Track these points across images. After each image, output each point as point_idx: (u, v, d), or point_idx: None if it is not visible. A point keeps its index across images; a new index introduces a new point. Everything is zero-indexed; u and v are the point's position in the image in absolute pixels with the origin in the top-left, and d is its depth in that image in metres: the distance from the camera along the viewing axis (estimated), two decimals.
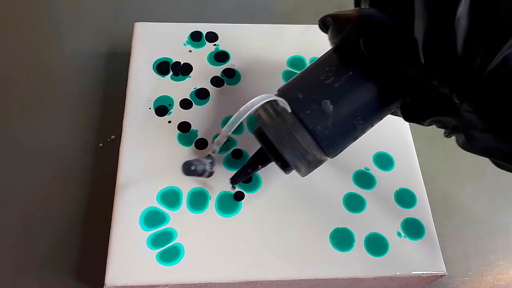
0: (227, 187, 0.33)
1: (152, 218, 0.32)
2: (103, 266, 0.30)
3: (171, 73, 0.38)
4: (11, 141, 0.39)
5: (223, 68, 0.39)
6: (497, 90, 0.20)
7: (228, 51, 0.40)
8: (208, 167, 0.28)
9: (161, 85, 0.37)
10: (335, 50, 0.27)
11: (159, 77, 0.38)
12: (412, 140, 0.36)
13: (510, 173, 0.39)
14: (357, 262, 0.31)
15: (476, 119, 0.22)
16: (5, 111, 0.41)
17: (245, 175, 0.31)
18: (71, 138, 0.40)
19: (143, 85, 0.37)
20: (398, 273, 0.31)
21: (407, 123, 0.37)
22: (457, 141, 0.25)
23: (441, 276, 0.31)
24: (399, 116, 0.28)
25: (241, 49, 0.40)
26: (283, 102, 0.26)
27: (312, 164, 0.28)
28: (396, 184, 0.34)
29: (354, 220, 0.32)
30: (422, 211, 0.33)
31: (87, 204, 0.36)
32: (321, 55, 0.28)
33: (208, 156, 0.28)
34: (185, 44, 0.40)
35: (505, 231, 0.38)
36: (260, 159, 0.31)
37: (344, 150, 0.35)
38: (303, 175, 0.29)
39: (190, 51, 0.39)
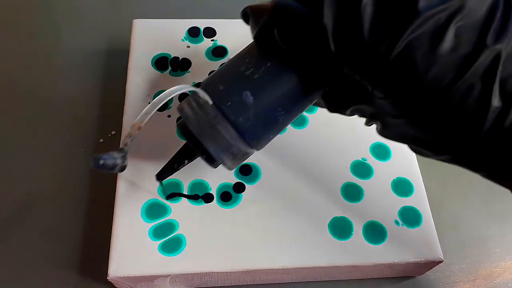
0: (228, 179, 0.33)
1: (153, 210, 0.32)
2: (105, 259, 0.30)
3: (170, 68, 0.39)
4: (12, 137, 0.40)
5: (221, 63, 0.39)
6: (402, 75, 0.21)
7: (226, 46, 0.40)
8: (119, 161, 0.25)
9: (160, 80, 0.38)
10: (255, 40, 0.26)
11: (158, 72, 0.38)
12: None
13: None
14: (356, 250, 0.31)
15: (388, 106, 0.23)
16: (5, 107, 0.41)
17: (172, 171, 0.31)
18: (72, 134, 0.40)
19: (142, 81, 0.38)
20: (396, 260, 0.31)
21: None
22: (376, 129, 0.26)
23: (438, 262, 0.32)
24: (324, 108, 0.29)
25: (239, 44, 0.40)
26: (202, 94, 0.25)
27: (237, 157, 0.27)
28: (393, 174, 0.35)
29: (352, 209, 0.33)
30: (419, 199, 0.34)
31: (88, 199, 0.37)
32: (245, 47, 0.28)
33: (120, 150, 0.26)
34: (183, 40, 0.40)
35: (501, 219, 0.38)
36: (186, 154, 0.30)
37: (341, 141, 0.36)
38: (229, 169, 0.28)
39: (188, 46, 0.40)
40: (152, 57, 0.39)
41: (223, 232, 0.32)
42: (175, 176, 0.33)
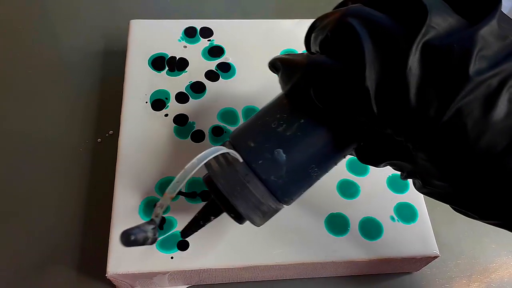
0: None
1: (151, 208, 0.32)
2: (104, 256, 0.30)
3: (166, 68, 0.39)
4: (10, 137, 0.40)
5: (218, 63, 0.39)
6: (451, 141, 0.20)
7: (223, 46, 0.40)
8: (150, 234, 0.24)
9: (157, 80, 0.38)
10: (286, 96, 0.25)
11: (155, 72, 0.38)
12: None
13: None
14: (353, 246, 0.32)
15: (432, 168, 0.22)
16: (3, 107, 0.41)
17: (197, 227, 0.29)
18: (70, 134, 0.40)
19: (139, 81, 0.38)
20: (392, 255, 0.32)
21: None
22: (414, 185, 0.25)
23: (434, 257, 0.32)
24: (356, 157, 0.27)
25: (236, 44, 0.41)
26: (234, 153, 0.24)
27: (267, 214, 0.26)
28: (389, 170, 0.35)
29: (348, 206, 0.33)
30: (415, 195, 0.34)
31: (87, 198, 0.37)
32: (272, 99, 0.27)
33: (151, 221, 0.24)
34: (179, 40, 0.40)
35: None
36: (213, 211, 0.28)
37: None
38: (258, 226, 0.27)
39: (185, 46, 0.40)
40: (149, 57, 0.39)
41: (220, 229, 0.32)
42: (173, 175, 0.33)
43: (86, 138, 0.40)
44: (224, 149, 0.24)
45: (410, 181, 0.34)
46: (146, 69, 0.39)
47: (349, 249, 0.32)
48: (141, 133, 0.35)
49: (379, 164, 0.25)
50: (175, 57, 0.39)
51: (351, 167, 0.35)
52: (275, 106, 0.26)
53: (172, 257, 0.31)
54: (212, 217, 0.28)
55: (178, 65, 0.39)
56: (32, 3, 0.49)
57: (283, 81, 0.25)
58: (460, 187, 0.21)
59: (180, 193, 0.33)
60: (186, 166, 0.23)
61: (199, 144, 0.35)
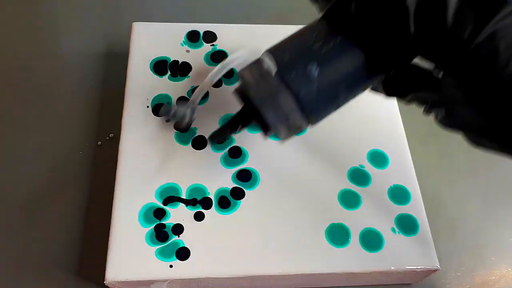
0: (226, 184, 0.34)
1: (151, 215, 0.32)
2: (103, 262, 0.30)
3: (169, 73, 0.39)
4: (11, 139, 0.39)
5: None
6: (481, 64, 0.20)
7: (226, 51, 0.40)
8: (188, 115, 0.27)
9: (159, 84, 0.38)
10: (325, 16, 0.26)
11: (157, 77, 0.38)
12: (405, 137, 0.37)
13: (502, 174, 0.40)
14: (353, 258, 0.32)
15: (459, 93, 0.22)
16: (5, 110, 0.41)
17: (224, 134, 0.31)
18: (70, 136, 0.40)
19: (141, 84, 0.38)
20: (392, 268, 0.32)
21: (400, 121, 0.37)
22: (436, 117, 0.25)
23: (434, 270, 0.32)
24: (381, 93, 0.28)
25: (239, 48, 0.40)
26: (268, 62, 0.25)
27: (292, 129, 0.27)
28: (391, 181, 0.35)
29: (349, 216, 0.33)
30: (416, 207, 0.34)
31: (86, 201, 0.37)
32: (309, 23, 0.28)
33: (189, 105, 0.27)
34: (182, 44, 0.40)
35: (496, 227, 0.38)
36: (242, 120, 0.30)
37: (339, 147, 0.36)
38: (282, 140, 0.28)
39: (187, 51, 0.40)
40: (151, 60, 0.39)
41: (220, 238, 0.32)
42: (173, 180, 0.33)
43: (87, 141, 0.40)
44: (260, 53, 0.25)
45: (411, 192, 0.34)
46: (148, 73, 0.38)
47: (349, 261, 0.32)
48: (141, 138, 0.35)
49: (405, 97, 0.26)
50: (177, 61, 0.39)
51: (352, 177, 0.35)
52: (312, 27, 0.27)
53: (171, 266, 0.30)
54: (240, 126, 0.30)
55: (180, 69, 0.39)
56: (35, 5, 0.49)
57: (322, 2, 0.26)
58: (485, 113, 0.22)
59: (180, 200, 0.33)
60: (224, 61, 0.25)
61: (200, 152, 0.35)
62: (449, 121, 0.24)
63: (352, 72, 0.26)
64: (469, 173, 0.41)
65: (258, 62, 0.26)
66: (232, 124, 0.30)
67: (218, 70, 0.24)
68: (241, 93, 0.28)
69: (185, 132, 0.26)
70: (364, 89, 0.28)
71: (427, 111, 0.25)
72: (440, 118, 0.25)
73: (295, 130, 0.27)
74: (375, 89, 0.28)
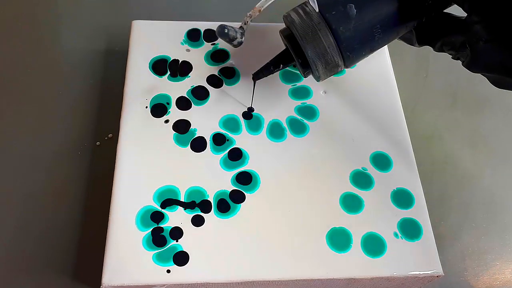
0: (225, 186, 0.33)
1: (148, 218, 0.31)
2: (100, 267, 0.30)
3: (168, 72, 0.38)
4: (8, 139, 0.39)
5: (221, 67, 0.38)
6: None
7: (228, 50, 0.39)
8: (238, 36, 0.30)
9: (158, 84, 0.37)
10: None
11: (157, 77, 0.37)
12: (409, 139, 0.36)
13: (508, 176, 0.39)
14: (354, 263, 0.31)
15: (482, 30, 0.25)
16: (2, 108, 0.41)
17: (268, 72, 0.34)
18: (69, 136, 0.39)
19: (140, 84, 0.37)
20: (395, 273, 0.31)
21: (404, 123, 0.37)
22: (462, 63, 0.28)
23: (437, 276, 0.31)
24: (413, 42, 0.31)
25: (240, 48, 0.40)
26: (312, 3, 0.29)
27: (328, 67, 0.31)
28: (394, 185, 0.34)
29: (351, 220, 0.32)
30: (420, 211, 0.33)
31: (84, 203, 0.36)
32: None
33: (240, 28, 0.30)
34: (182, 43, 0.39)
35: (502, 232, 0.38)
36: (283, 59, 0.33)
37: (341, 149, 0.35)
38: (318, 78, 0.32)
39: (188, 50, 0.39)
40: (151, 59, 0.38)
41: (219, 242, 0.31)
42: (172, 183, 0.33)
43: (85, 141, 0.39)
44: None
45: (415, 196, 0.34)
46: (147, 72, 0.38)
47: (351, 266, 0.31)
48: (140, 140, 0.34)
49: (436, 43, 0.30)
50: (177, 61, 0.38)
51: (355, 181, 0.34)
52: None
53: (168, 271, 0.30)
54: (282, 65, 0.34)
55: (180, 69, 0.38)
56: (35, 3, 0.48)
57: None
58: (506, 49, 0.24)
59: (178, 203, 0.32)
60: None
61: (199, 154, 0.34)
62: (475, 63, 0.27)
63: (388, 14, 0.29)
64: (474, 177, 0.40)
65: (302, 5, 0.30)
66: (275, 62, 0.34)
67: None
68: (285, 33, 0.32)
69: (236, 47, 0.32)
70: (397, 34, 0.31)
71: (455, 55, 0.29)
72: (466, 62, 0.27)
73: (332, 68, 0.31)
74: (407, 38, 0.31)
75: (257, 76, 0.35)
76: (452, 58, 0.29)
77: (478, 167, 0.41)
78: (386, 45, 0.40)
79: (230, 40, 0.30)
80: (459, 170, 0.40)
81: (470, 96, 0.44)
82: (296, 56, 0.32)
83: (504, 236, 0.38)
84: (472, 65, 0.27)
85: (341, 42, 0.29)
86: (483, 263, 0.36)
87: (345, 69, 0.39)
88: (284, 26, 0.32)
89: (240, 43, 0.31)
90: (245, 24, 0.30)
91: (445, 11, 0.30)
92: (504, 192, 0.40)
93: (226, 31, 0.30)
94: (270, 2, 0.29)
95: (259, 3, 0.29)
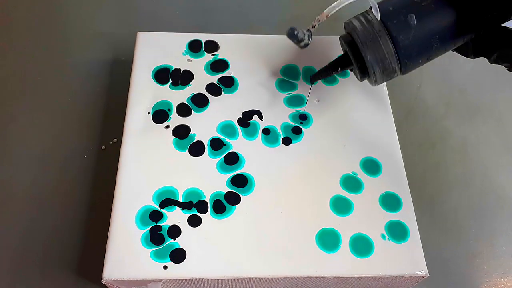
0: (221, 188, 0.35)
1: (148, 217, 0.33)
2: (101, 262, 0.31)
3: (170, 81, 0.40)
4: (21, 142, 0.41)
5: (220, 77, 0.40)
6: None
7: (228, 60, 0.41)
8: (306, 37, 0.32)
9: (160, 92, 0.39)
10: None
11: (159, 85, 0.40)
12: (399, 146, 0.38)
13: (496, 184, 0.41)
14: (343, 262, 0.32)
15: None
16: (15, 114, 0.43)
17: (326, 74, 0.36)
18: (76, 140, 0.42)
19: (143, 92, 0.39)
20: (381, 273, 0.32)
21: (394, 130, 0.38)
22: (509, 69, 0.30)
23: (422, 277, 0.33)
24: (468, 54, 0.33)
25: (240, 58, 0.42)
26: (375, 7, 0.31)
27: (385, 72, 0.32)
28: (383, 189, 0.36)
29: (340, 222, 0.34)
30: (407, 214, 0.35)
31: (89, 203, 0.38)
32: None
33: (308, 30, 0.32)
34: (184, 54, 0.42)
35: (490, 237, 0.39)
36: (342, 63, 0.35)
37: (333, 154, 0.37)
38: (375, 83, 0.34)
39: (189, 60, 0.41)
40: (154, 69, 0.40)
41: (214, 241, 0.33)
42: (170, 184, 0.35)
43: (91, 145, 0.42)
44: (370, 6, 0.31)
45: (403, 200, 0.35)
46: (150, 81, 0.40)
47: (339, 265, 0.32)
48: (142, 144, 0.36)
49: (492, 55, 0.31)
50: (179, 70, 0.41)
51: (345, 184, 0.36)
52: None
53: (165, 267, 0.32)
54: (339, 68, 0.35)
55: (181, 78, 0.40)
56: (45, 11, 0.51)
57: None
58: None
59: (176, 203, 0.34)
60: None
61: (197, 158, 0.36)
62: None
63: (446, 26, 0.31)
64: (463, 183, 0.41)
65: (364, 13, 0.32)
66: (334, 66, 0.36)
67: (336, 5, 0.31)
68: (346, 39, 0.34)
69: (302, 48, 0.33)
70: (454, 45, 0.32)
71: (510, 68, 0.31)
72: None
73: (388, 73, 0.33)
74: (463, 49, 0.33)
75: (315, 78, 0.37)
76: (507, 70, 0.31)
77: (468, 174, 0.42)
78: None
79: (298, 41, 0.32)
80: (449, 177, 0.42)
81: (462, 106, 0.46)
82: (356, 61, 0.33)
83: (492, 241, 0.39)
84: None
85: (400, 49, 0.31)
86: (470, 267, 0.37)
87: (338, 79, 0.41)
88: (345, 32, 0.34)
89: (306, 45, 0.33)
90: (313, 27, 0.32)
91: (503, 25, 0.31)
92: (491, 199, 0.41)
93: (296, 33, 0.32)
94: (338, 8, 0.30)
95: (326, 9, 0.31)
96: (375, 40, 0.31)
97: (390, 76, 0.33)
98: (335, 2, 0.30)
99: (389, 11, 0.31)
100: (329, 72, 0.36)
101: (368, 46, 0.32)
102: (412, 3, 0.31)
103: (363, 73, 0.34)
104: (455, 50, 0.34)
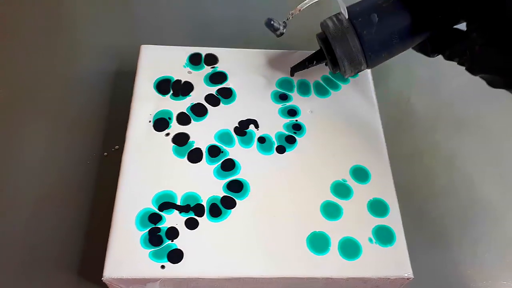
0: (217, 193, 0.36)
1: (147, 219, 0.35)
2: (102, 262, 0.33)
3: (171, 92, 0.42)
4: (27, 149, 0.43)
5: (218, 88, 0.43)
6: (492, 11, 0.29)
7: (226, 72, 0.44)
8: (281, 28, 0.38)
9: (161, 102, 0.41)
10: None
11: (160, 95, 0.42)
12: (387, 155, 0.39)
13: (480, 194, 0.42)
14: (331, 264, 0.34)
15: (477, 37, 0.31)
16: (22, 122, 0.45)
17: (303, 67, 0.42)
18: (79, 147, 0.43)
19: (145, 101, 0.41)
20: (368, 275, 0.34)
21: (383, 139, 0.40)
22: (466, 68, 0.34)
23: (408, 279, 0.34)
24: (428, 52, 0.37)
25: (237, 71, 0.44)
26: (344, 9, 0.36)
27: (353, 64, 0.37)
28: (371, 195, 0.37)
29: (330, 226, 0.36)
30: (394, 220, 0.36)
31: (90, 207, 0.40)
32: None
33: (283, 22, 0.38)
34: (184, 66, 0.44)
35: (474, 244, 0.40)
36: (317, 57, 0.41)
37: (324, 162, 0.39)
38: (344, 74, 0.39)
39: (189, 72, 0.43)
40: (155, 80, 0.42)
41: (210, 242, 0.34)
42: (169, 188, 0.36)
43: (94, 152, 0.43)
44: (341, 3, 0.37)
45: (390, 206, 0.37)
46: (152, 91, 0.42)
47: (328, 267, 0.34)
48: (142, 151, 0.38)
49: (445, 52, 0.36)
50: (180, 81, 0.43)
51: (335, 190, 0.37)
52: None
53: (163, 266, 0.33)
54: (315, 61, 0.41)
55: (182, 89, 0.42)
56: (53, 23, 0.53)
57: None
58: (498, 51, 0.31)
59: (174, 206, 0.36)
60: None
61: (194, 164, 0.38)
62: (473, 66, 0.33)
63: (403, 25, 0.36)
64: (450, 193, 0.43)
65: (337, 15, 0.37)
66: (310, 59, 0.41)
67: (309, 1, 0.36)
68: (321, 37, 0.39)
69: (278, 37, 0.39)
70: (412, 43, 0.37)
71: (459, 62, 0.34)
72: (467, 66, 0.34)
73: (356, 65, 0.38)
74: (423, 48, 0.37)
75: (294, 69, 0.42)
76: (457, 64, 0.35)
77: (455, 184, 0.44)
78: (370, 71, 0.44)
79: (274, 30, 0.38)
80: (436, 187, 0.43)
81: (450, 119, 0.48)
82: (328, 55, 0.39)
83: (475, 249, 0.40)
84: (472, 68, 0.33)
85: (364, 43, 0.36)
86: (454, 273, 0.39)
87: (331, 92, 0.43)
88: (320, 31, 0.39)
89: (281, 34, 0.39)
90: (287, 19, 0.38)
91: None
92: (477, 208, 0.42)
93: (272, 23, 0.38)
94: (309, 4, 0.36)
95: (300, 4, 0.36)
96: (343, 36, 0.36)
97: (357, 68, 0.38)
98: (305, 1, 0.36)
99: (356, 11, 0.36)
100: (306, 65, 0.41)
101: (337, 41, 0.37)
102: (375, 4, 0.36)
103: (334, 65, 0.39)
104: (417, 50, 0.38)
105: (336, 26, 0.37)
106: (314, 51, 0.41)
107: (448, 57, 0.36)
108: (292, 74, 0.43)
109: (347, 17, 0.36)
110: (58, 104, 0.46)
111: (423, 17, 0.36)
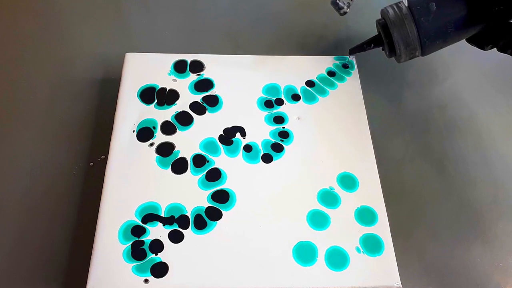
0: (202, 203, 0.36)
1: (130, 232, 0.34)
2: (86, 275, 0.33)
3: (156, 100, 0.41)
4: (11, 158, 0.43)
5: (204, 96, 0.42)
6: None
7: (213, 79, 0.43)
8: (345, 6, 0.41)
9: (145, 111, 0.41)
10: None
11: (144, 105, 0.41)
12: (375, 162, 0.39)
13: (471, 197, 0.42)
14: (318, 275, 0.33)
15: None
16: (6, 131, 0.44)
17: (361, 49, 0.44)
18: (65, 157, 0.43)
19: (129, 111, 0.41)
20: (356, 285, 0.33)
21: (371, 146, 0.40)
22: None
23: None
24: (482, 45, 0.39)
25: (224, 77, 0.43)
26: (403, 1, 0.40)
27: (409, 48, 0.40)
28: (359, 203, 0.37)
29: (317, 236, 0.35)
30: (382, 228, 0.36)
31: (76, 219, 0.39)
32: None
33: (349, 2, 0.41)
34: (169, 74, 0.43)
35: (466, 250, 0.40)
36: (375, 41, 0.43)
37: (311, 170, 0.38)
38: (400, 58, 0.42)
39: (174, 80, 0.43)
40: (139, 88, 0.42)
41: (194, 254, 0.34)
42: (153, 200, 0.36)
43: (79, 162, 0.43)
44: None
45: (378, 214, 0.36)
46: (136, 100, 0.41)
47: (315, 278, 0.33)
48: (126, 161, 0.38)
49: (499, 43, 0.38)
50: (164, 90, 0.42)
51: (322, 199, 0.37)
52: None
53: (146, 280, 0.33)
54: (373, 45, 0.44)
55: (167, 98, 0.42)
56: (37, 30, 0.52)
57: None
58: None
59: (158, 218, 0.35)
60: None
61: (179, 175, 0.37)
62: None
63: (459, 15, 0.38)
64: (441, 198, 0.42)
65: (398, 3, 0.41)
66: (368, 42, 0.44)
67: None
68: (380, 23, 0.42)
69: (342, 15, 0.43)
70: (467, 33, 0.40)
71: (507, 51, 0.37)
72: None
73: (410, 50, 0.40)
74: (477, 40, 0.40)
75: (352, 51, 0.45)
76: (510, 55, 0.37)
77: (446, 188, 0.43)
78: (358, 75, 0.43)
79: (338, 9, 0.41)
80: (426, 192, 0.43)
81: (441, 122, 0.47)
82: (385, 38, 0.42)
83: (467, 253, 0.40)
84: None
85: (421, 29, 0.39)
86: (445, 281, 0.38)
87: (318, 98, 0.42)
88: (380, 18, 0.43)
89: (345, 13, 0.42)
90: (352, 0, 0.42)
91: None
92: (468, 213, 0.42)
93: (337, 1, 0.41)
94: None
95: None
96: (401, 21, 0.39)
97: (412, 53, 0.41)
98: None
99: (415, 0, 0.39)
100: (364, 48, 0.44)
101: (395, 26, 0.40)
102: None
103: (391, 50, 0.42)
104: (472, 43, 0.40)
105: (395, 12, 0.40)
106: (373, 36, 0.44)
107: (501, 49, 0.38)
108: (350, 54, 0.45)
109: (406, 4, 0.40)
110: (43, 113, 0.46)
111: (479, 9, 0.38)
